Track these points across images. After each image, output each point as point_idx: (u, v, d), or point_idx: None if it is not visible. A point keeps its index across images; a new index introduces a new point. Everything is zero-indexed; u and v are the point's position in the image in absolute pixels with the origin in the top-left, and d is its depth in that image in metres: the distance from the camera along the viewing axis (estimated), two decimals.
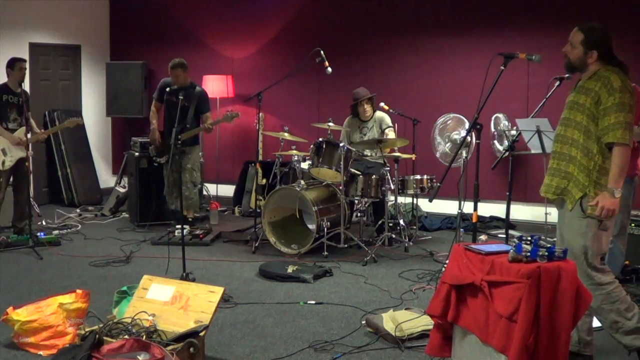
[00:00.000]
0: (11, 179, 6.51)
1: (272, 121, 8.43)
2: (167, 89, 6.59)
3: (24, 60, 6.42)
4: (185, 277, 4.69)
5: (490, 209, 7.19)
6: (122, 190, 8.10)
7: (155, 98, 7.06)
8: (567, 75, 5.32)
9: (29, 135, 6.42)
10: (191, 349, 3.35)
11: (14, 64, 6.35)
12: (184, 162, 6.90)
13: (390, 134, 6.62)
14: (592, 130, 3.31)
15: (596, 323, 4.03)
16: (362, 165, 6.56)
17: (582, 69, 3.45)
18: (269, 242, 6.17)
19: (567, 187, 3.40)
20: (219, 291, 3.66)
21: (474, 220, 3.90)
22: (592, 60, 3.39)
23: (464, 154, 5.94)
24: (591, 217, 3.31)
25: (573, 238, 3.38)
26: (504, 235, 5.43)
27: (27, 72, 6.89)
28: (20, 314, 3.81)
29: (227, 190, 8.56)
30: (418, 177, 6.35)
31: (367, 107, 6.67)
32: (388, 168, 6.15)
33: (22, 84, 6.36)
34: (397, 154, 6.20)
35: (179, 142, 5.69)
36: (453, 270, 3.21)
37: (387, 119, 6.74)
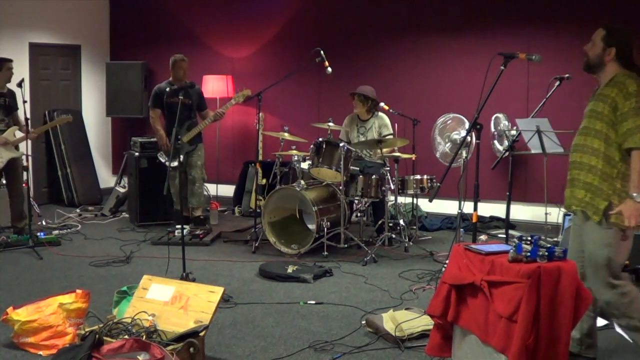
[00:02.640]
0: (3, 180, 6.49)
1: (272, 121, 8.43)
2: (167, 89, 6.60)
3: (11, 60, 6.38)
4: (185, 277, 4.69)
5: (490, 209, 7.19)
6: (122, 190, 8.11)
7: (152, 106, 6.89)
8: (567, 75, 5.35)
9: (19, 135, 6.36)
10: (191, 349, 3.36)
11: (1, 65, 6.29)
12: (194, 159, 6.92)
13: None
14: (613, 138, 3.26)
15: (600, 322, 4.03)
16: (361, 165, 6.57)
17: (599, 67, 3.39)
18: (269, 242, 6.17)
19: (585, 198, 3.34)
20: (219, 291, 3.66)
21: (474, 220, 3.89)
22: (609, 58, 3.34)
23: (464, 154, 5.94)
24: (616, 227, 3.24)
25: (596, 249, 3.32)
26: (504, 235, 5.43)
27: (27, 72, 6.93)
28: (20, 314, 3.81)
29: (227, 190, 8.56)
30: (418, 177, 6.35)
31: (358, 103, 6.65)
32: (388, 168, 6.15)
33: (8, 83, 6.31)
34: (397, 154, 6.20)
35: (179, 141, 5.70)
36: (453, 270, 3.21)
37: (388, 124, 6.71)
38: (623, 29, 3.41)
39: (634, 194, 3.16)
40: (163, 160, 6.91)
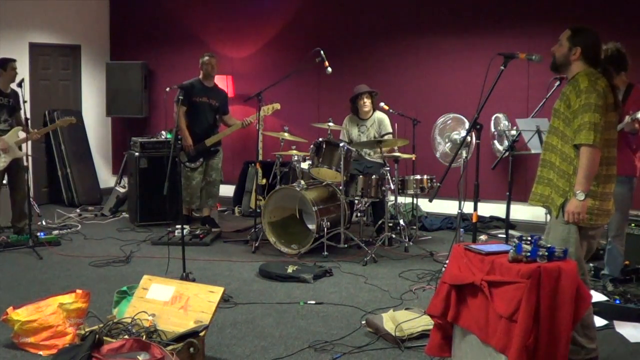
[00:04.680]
0: (5, 179, 6.49)
1: (272, 121, 8.42)
2: (191, 86, 6.56)
3: (15, 60, 6.38)
4: (185, 277, 4.70)
5: (490, 209, 7.19)
6: (122, 190, 8.11)
7: (180, 102, 6.27)
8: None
9: (22, 135, 6.38)
10: (191, 349, 3.36)
11: (6, 65, 6.30)
12: (216, 162, 7.00)
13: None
14: (568, 135, 3.30)
15: (600, 322, 4.02)
16: (361, 165, 6.57)
17: (565, 67, 3.42)
18: (269, 242, 6.17)
19: (550, 195, 3.40)
20: (219, 291, 3.67)
21: (474, 220, 3.90)
22: (575, 57, 3.36)
23: (464, 154, 5.94)
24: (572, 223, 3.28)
25: (555, 244, 3.35)
26: (504, 235, 5.43)
27: (27, 72, 6.91)
28: (20, 314, 3.81)
29: (227, 190, 8.55)
30: (418, 177, 6.35)
31: (367, 102, 6.65)
32: (388, 168, 6.14)
33: (12, 84, 6.32)
34: (397, 154, 6.20)
35: (178, 142, 5.67)
36: (453, 270, 3.21)
37: (387, 123, 6.71)
38: (590, 29, 3.43)
39: (577, 192, 3.21)
40: (183, 161, 6.77)
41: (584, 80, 3.27)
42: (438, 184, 4.12)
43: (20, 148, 6.42)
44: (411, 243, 6.38)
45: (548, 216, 6.27)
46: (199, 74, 6.87)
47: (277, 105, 6.78)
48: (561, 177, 3.34)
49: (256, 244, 6.20)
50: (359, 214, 6.77)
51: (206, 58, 6.83)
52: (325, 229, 5.94)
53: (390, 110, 6.81)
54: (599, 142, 3.21)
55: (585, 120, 3.20)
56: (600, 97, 3.23)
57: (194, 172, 6.79)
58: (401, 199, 6.82)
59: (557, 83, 5.29)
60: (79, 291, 3.96)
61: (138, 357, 3.13)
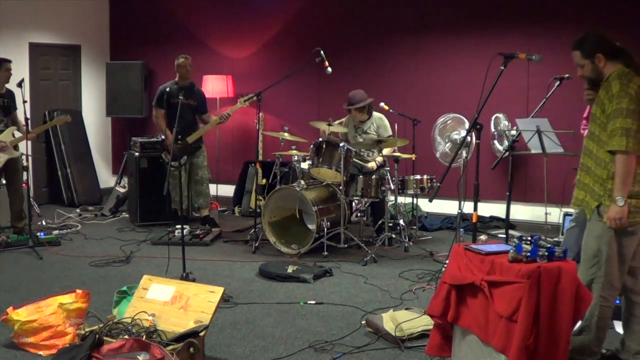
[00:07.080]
0: (3, 181, 6.48)
1: (272, 121, 8.43)
2: (170, 89, 6.61)
3: (10, 61, 6.37)
4: (185, 277, 4.70)
5: (490, 209, 7.19)
6: (122, 190, 8.10)
7: (156, 105, 6.93)
8: (567, 75, 5.35)
9: (18, 135, 6.37)
10: (191, 349, 3.36)
11: (0, 65, 6.28)
12: (200, 160, 7.00)
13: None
14: (604, 140, 3.27)
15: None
16: (360, 165, 6.56)
17: (601, 76, 3.36)
18: (269, 242, 6.17)
19: (585, 199, 3.40)
20: (219, 291, 3.67)
21: (474, 220, 3.90)
22: (603, 63, 3.33)
23: (464, 154, 5.94)
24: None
25: (587, 241, 3.37)
26: (504, 235, 5.43)
27: (27, 72, 6.85)
28: (20, 314, 3.81)
29: (227, 190, 8.56)
30: (418, 177, 6.34)
31: (357, 115, 6.62)
32: (388, 168, 6.14)
33: (7, 84, 6.30)
34: (397, 154, 6.20)
35: (178, 141, 5.68)
36: (453, 270, 3.21)
37: (387, 124, 6.64)
38: (586, 32, 3.40)
39: (617, 198, 3.20)
40: (167, 160, 6.87)
41: (615, 83, 3.22)
42: (438, 184, 4.12)
43: (15, 148, 6.40)
44: (411, 243, 6.38)
45: (548, 216, 6.31)
46: (175, 75, 6.92)
47: (254, 97, 6.70)
48: (596, 182, 3.33)
49: (256, 244, 6.20)
50: (358, 214, 6.76)
51: (181, 60, 6.86)
52: (325, 229, 5.94)
53: (390, 110, 6.80)
54: (632, 147, 3.17)
55: (617, 126, 3.17)
56: (633, 101, 3.18)
57: (178, 171, 6.79)
58: (401, 199, 6.82)
59: (557, 83, 5.30)
60: (79, 291, 3.96)
61: (138, 357, 3.13)
